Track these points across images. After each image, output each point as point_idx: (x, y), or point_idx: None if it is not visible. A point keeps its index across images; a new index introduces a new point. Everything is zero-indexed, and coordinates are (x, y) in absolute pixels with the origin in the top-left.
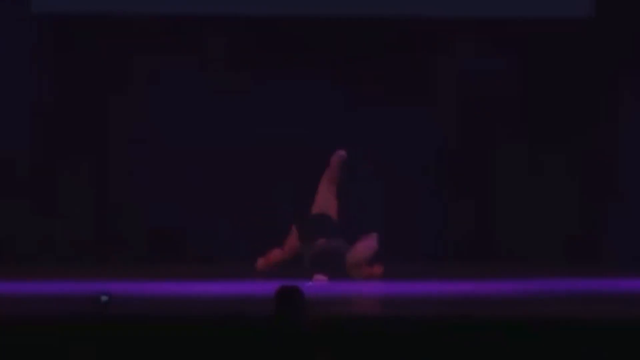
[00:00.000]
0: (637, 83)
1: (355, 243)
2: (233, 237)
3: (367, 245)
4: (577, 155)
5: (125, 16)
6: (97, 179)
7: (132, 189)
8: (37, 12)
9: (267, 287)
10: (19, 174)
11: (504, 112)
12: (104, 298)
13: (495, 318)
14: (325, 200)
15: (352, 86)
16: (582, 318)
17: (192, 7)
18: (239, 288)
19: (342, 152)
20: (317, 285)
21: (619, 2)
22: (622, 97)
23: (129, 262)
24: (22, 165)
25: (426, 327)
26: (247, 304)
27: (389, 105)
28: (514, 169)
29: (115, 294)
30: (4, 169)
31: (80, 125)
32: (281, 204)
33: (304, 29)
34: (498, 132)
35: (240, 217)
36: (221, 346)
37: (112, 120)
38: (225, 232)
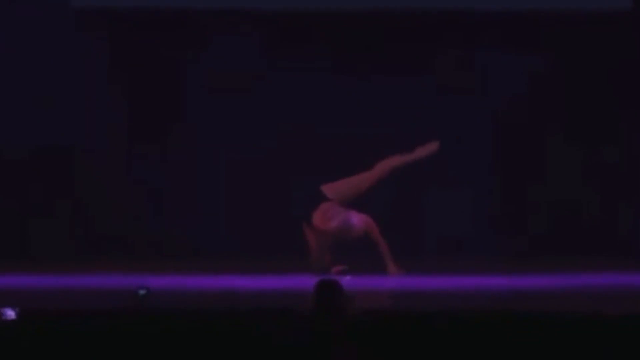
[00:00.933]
0: None
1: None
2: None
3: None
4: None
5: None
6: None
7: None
8: (78, 6)
9: (304, 282)
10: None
11: (543, 110)
12: (142, 292)
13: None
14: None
15: (385, 80)
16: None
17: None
18: (279, 283)
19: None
20: (355, 279)
21: None
22: None
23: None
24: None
25: (460, 322)
26: (288, 298)
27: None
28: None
29: (153, 288)
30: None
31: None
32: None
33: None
34: (537, 128)
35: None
36: (260, 341)
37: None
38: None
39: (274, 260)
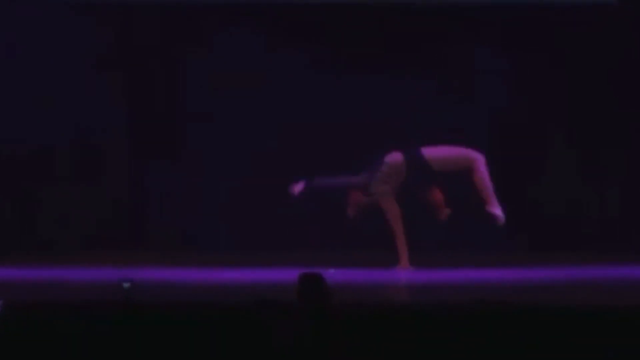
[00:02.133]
0: None
1: None
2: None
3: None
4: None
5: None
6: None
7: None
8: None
9: (289, 275)
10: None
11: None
12: (126, 285)
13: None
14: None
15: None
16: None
17: None
18: (262, 275)
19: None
20: (338, 273)
21: None
22: None
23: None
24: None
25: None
26: (271, 290)
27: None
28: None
29: (138, 281)
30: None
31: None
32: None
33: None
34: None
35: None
36: (242, 332)
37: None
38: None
39: (263, 254)
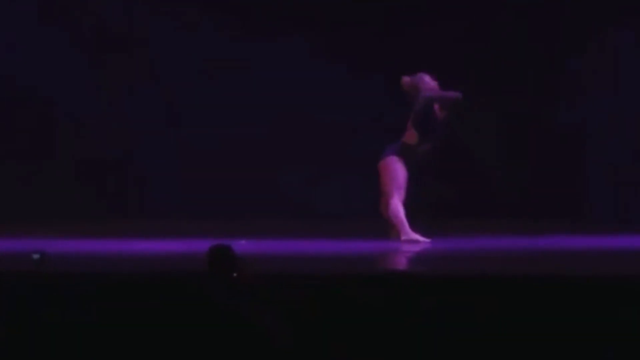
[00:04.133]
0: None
1: None
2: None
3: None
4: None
5: None
6: None
7: None
8: None
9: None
10: None
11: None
12: (35, 256)
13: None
14: None
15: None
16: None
17: None
18: (177, 246)
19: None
20: (249, 244)
21: None
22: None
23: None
24: None
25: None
26: (182, 262)
27: None
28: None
29: (49, 252)
30: None
31: None
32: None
33: None
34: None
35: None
36: (155, 303)
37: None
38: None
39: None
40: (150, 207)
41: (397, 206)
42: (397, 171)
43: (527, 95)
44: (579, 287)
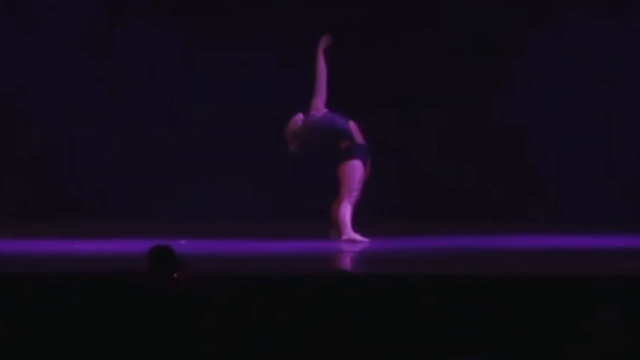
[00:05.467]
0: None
1: None
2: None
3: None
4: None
5: None
6: None
7: None
8: None
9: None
10: None
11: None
12: None
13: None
14: None
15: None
16: None
17: None
18: (114, 247)
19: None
20: (190, 244)
21: None
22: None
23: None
24: None
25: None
26: (123, 262)
27: None
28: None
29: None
30: None
31: None
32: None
33: None
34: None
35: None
36: (95, 304)
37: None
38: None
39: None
40: (88, 206)
41: (345, 208)
42: (354, 174)
43: (471, 93)
44: (516, 286)
